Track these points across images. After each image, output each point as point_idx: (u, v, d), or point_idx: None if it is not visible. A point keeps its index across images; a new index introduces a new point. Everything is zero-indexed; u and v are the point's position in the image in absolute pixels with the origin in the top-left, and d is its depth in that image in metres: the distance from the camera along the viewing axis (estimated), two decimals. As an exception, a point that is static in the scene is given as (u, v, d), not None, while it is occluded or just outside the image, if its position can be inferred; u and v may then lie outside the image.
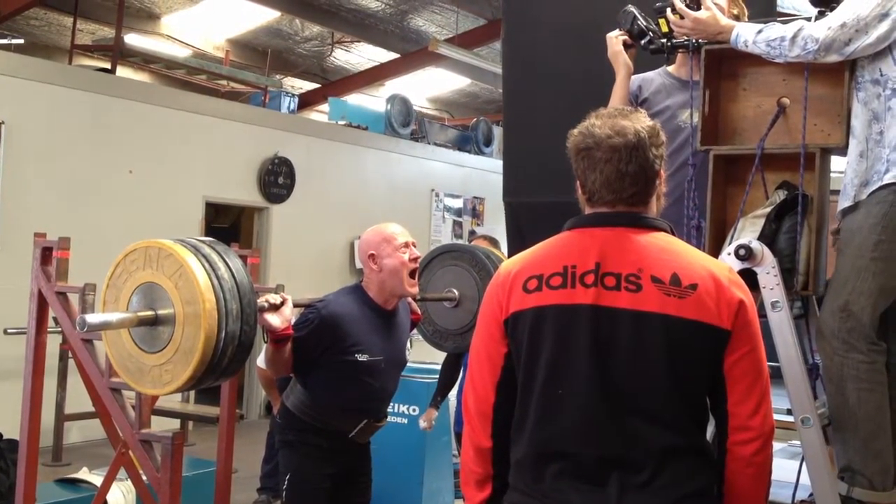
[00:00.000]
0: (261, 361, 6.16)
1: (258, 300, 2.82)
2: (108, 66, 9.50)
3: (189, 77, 11.18)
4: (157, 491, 3.32)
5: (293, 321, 3.05)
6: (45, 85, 7.76)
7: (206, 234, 8.98)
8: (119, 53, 9.52)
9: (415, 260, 3.29)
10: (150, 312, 2.30)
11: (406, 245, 3.28)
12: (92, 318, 2.26)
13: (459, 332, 3.79)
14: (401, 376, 3.52)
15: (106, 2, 10.25)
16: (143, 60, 10.46)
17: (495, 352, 2.03)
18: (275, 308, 2.90)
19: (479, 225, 12.49)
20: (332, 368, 3.20)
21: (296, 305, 3.05)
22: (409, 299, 3.46)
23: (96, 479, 4.67)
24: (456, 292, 3.50)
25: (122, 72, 9.98)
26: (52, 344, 5.27)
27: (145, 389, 2.45)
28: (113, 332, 2.37)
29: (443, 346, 3.86)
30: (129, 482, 4.37)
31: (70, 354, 5.99)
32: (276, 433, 3.46)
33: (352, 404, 3.30)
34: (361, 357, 3.20)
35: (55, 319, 3.87)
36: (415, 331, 3.73)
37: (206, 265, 2.31)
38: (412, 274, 3.29)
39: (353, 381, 3.24)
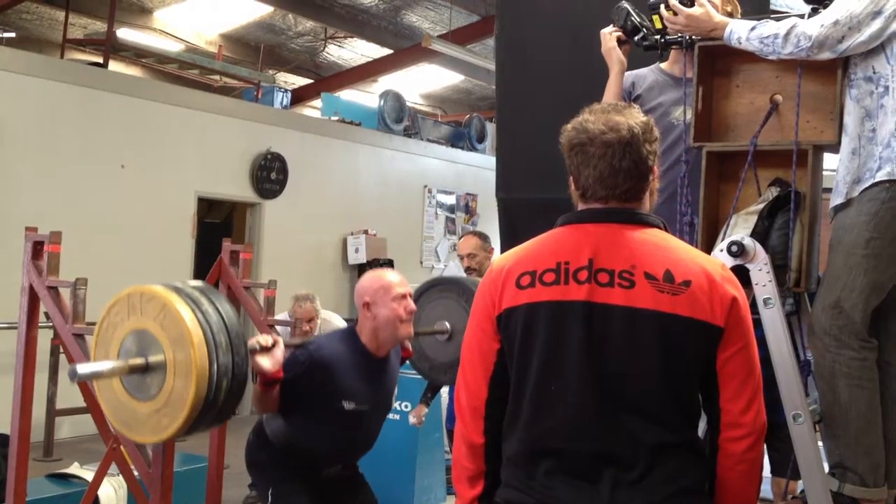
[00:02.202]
0: (253, 357, 6.17)
1: (249, 341, 2.82)
2: (100, 60, 9.49)
3: (181, 72, 11.16)
4: (148, 486, 3.32)
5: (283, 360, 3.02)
6: (36, 79, 7.73)
7: (198, 229, 9.03)
8: (111, 48, 9.50)
9: (410, 313, 3.24)
10: (140, 360, 2.29)
11: (403, 296, 3.22)
12: (82, 368, 2.24)
13: (455, 364, 3.75)
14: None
15: (98, -4, 10.23)
16: (136, 55, 10.44)
17: (488, 348, 2.03)
18: (266, 350, 2.87)
19: (473, 224, 12.49)
20: (316, 412, 3.16)
21: (287, 346, 3.02)
22: None
23: (87, 474, 4.66)
24: (448, 325, 3.48)
25: (114, 66, 9.95)
26: (44, 339, 5.26)
27: (143, 438, 2.44)
28: (105, 383, 2.35)
29: (441, 380, 3.83)
30: (121, 477, 4.37)
31: (61, 349, 5.97)
32: (249, 451, 3.40)
33: (331, 449, 3.29)
34: (347, 405, 3.16)
35: (46, 314, 3.86)
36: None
37: (189, 301, 2.30)
38: (407, 323, 3.25)
39: (336, 427, 3.21)
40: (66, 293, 3.66)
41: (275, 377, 2.92)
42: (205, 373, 2.22)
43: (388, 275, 3.29)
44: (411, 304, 3.24)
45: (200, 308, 2.29)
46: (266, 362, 2.87)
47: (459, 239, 5.53)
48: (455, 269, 12.00)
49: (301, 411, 3.15)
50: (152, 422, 2.31)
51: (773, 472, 3.71)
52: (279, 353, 2.90)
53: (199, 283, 2.44)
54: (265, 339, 2.89)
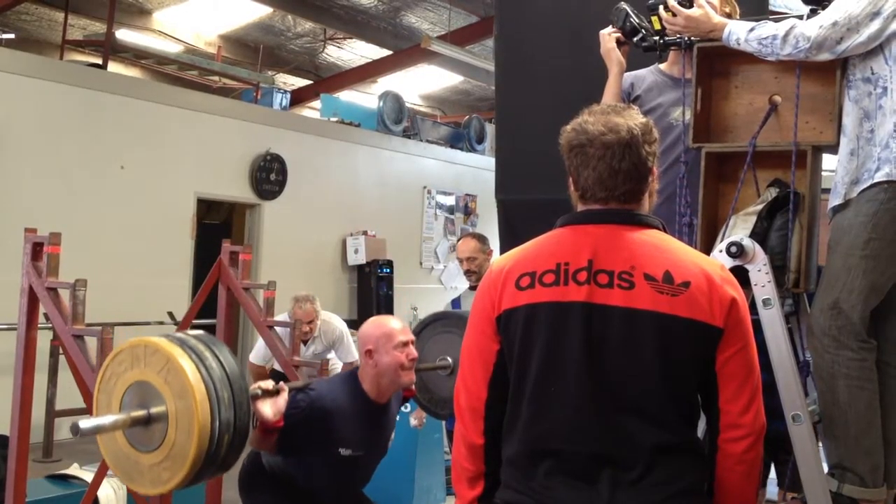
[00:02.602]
0: (253, 357, 6.17)
1: (251, 387, 2.81)
2: (99, 61, 9.48)
3: (180, 73, 11.16)
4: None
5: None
6: (35, 80, 7.73)
7: (198, 230, 9.02)
8: (110, 49, 9.50)
9: (412, 360, 3.23)
10: (142, 412, 2.30)
11: (405, 344, 3.22)
12: (85, 424, 2.25)
13: None
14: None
15: (97, -3, 10.23)
16: (135, 56, 10.44)
17: (487, 349, 2.03)
18: (269, 395, 2.87)
19: (471, 224, 12.48)
20: (312, 456, 3.17)
21: (291, 388, 3.03)
22: None
23: (87, 475, 4.66)
24: (450, 359, 3.48)
25: (114, 67, 9.94)
26: (43, 340, 5.26)
27: (145, 490, 2.44)
28: (107, 434, 2.36)
29: (440, 415, 3.83)
30: (120, 479, 4.36)
31: (61, 350, 5.97)
32: (244, 477, 3.39)
33: (325, 488, 3.29)
34: (343, 451, 3.17)
35: (46, 315, 3.86)
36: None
37: (194, 356, 2.31)
38: (409, 371, 3.25)
39: (330, 471, 3.22)
40: (65, 294, 3.66)
41: (275, 426, 2.92)
42: (207, 428, 2.24)
43: (391, 322, 3.29)
44: (413, 352, 3.24)
45: (203, 362, 2.31)
46: (268, 410, 2.87)
47: (458, 240, 5.52)
48: (456, 271, 12.01)
49: (297, 453, 3.15)
50: (153, 474, 2.32)
51: (780, 484, 3.64)
52: (282, 401, 2.91)
53: (201, 333, 2.45)
54: (266, 384, 2.90)
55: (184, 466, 2.25)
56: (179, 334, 2.41)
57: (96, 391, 2.41)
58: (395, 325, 3.27)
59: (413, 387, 3.42)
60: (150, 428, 2.30)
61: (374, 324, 3.30)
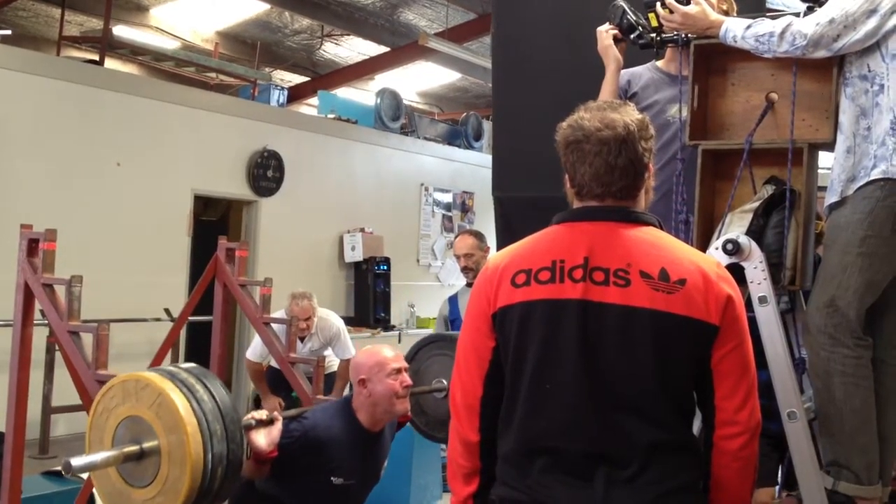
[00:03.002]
0: (250, 354, 6.17)
1: (245, 418, 2.81)
2: (96, 57, 9.47)
3: (177, 69, 11.14)
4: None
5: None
6: (32, 76, 7.71)
7: (194, 227, 9.00)
8: (107, 45, 9.48)
9: (406, 387, 3.23)
10: (134, 447, 2.30)
11: (398, 371, 3.22)
12: (77, 461, 2.24)
13: None
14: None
15: (94, -7, 10.21)
16: (132, 52, 10.42)
17: (483, 346, 2.03)
18: (262, 424, 2.87)
19: (468, 221, 12.48)
20: (305, 484, 3.16)
21: (285, 417, 3.03)
22: None
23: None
24: (445, 382, 3.48)
25: (111, 63, 9.93)
26: (40, 336, 5.25)
27: None
28: (100, 470, 2.36)
29: (437, 438, 3.83)
30: (116, 475, 4.35)
31: (57, 347, 5.97)
32: (233, 499, 3.40)
33: None
34: (336, 480, 3.16)
35: (42, 312, 3.85)
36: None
37: (184, 389, 2.31)
38: (403, 399, 3.24)
39: (322, 499, 3.20)
40: (61, 291, 3.66)
41: (269, 456, 2.92)
42: (199, 462, 2.25)
43: (383, 351, 3.28)
44: (407, 379, 3.24)
45: (195, 395, 2.31)
46: (262, 440, 2.88)
47: (455, 237, 5.52)
48: (453, 268, 12.01)
49: (289, 481, 3.13)
50: None
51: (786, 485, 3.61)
52: (276, 432, 2.92)
53: (192, 366, 2.46)
54: (260, 414, 2.90)
55: (177, 501, 2.26)
56: (170, 368, 2.42)
57: (88, 430, 2.41)
58: (388, 353, 3.27)
59: (409, 412, 3.42)
60: (143, 463, 2.31)
61: (367, 353, 3.30)
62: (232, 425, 2.36)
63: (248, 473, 3.03)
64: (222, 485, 2.34)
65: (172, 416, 2.26)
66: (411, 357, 3.63)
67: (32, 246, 3.74)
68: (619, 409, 1.91)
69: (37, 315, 3.95)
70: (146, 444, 2.29)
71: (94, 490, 4.35)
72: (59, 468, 4.88)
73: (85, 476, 4.46)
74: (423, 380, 3.57)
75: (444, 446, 5.73)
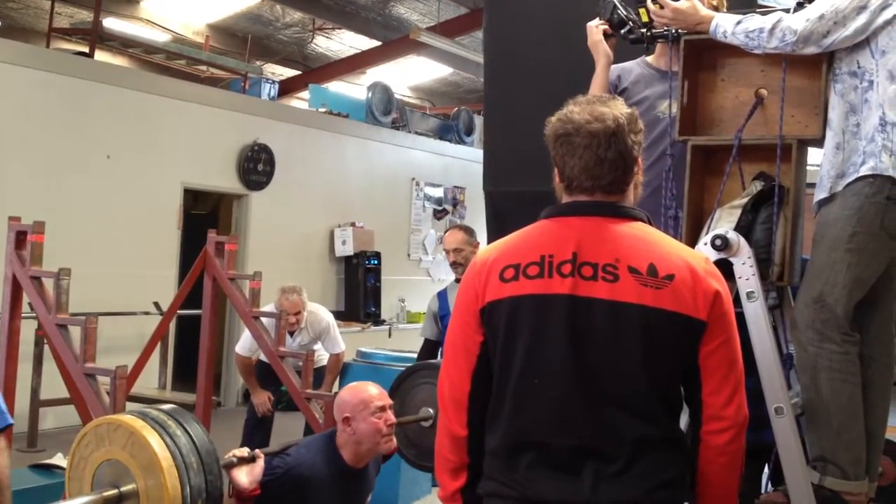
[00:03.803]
0: (239, 348, 6.16)
1: (226, 455, 2.80)
2: (86, 49, 9.41)
3: (168, 62, 11.09)
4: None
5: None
6: (22, 68, 7.67)
7: (185, 221, 8.98)
8: (97, 37, 9.43)
9: (391, 426, 3.21)
10: (113, 491, 2.30)
11: (382, 409, 3.19)
12: None
13: None
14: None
15: (85, -15, 10.16)
16: (122, 45, 10.37)
17: (471, 341, 2.03)
18: (244, 462, 2.85)
19: (459, 216, 12.48)
20: None
21: (266, 454, 3.01)
22: None
23: (71, 465, 4.64)
24: (431, 410, 3.48)
25: (101, 56, 9.88)
26: (28, 329, 5.23)
27: None
28: None
29: (425, 468, 3.81)
30: (104, 468, 4.34)
31: (45, 340, 5.95)
32: None
33: None
34: None
35: (30, 304, 3.84)
36: None
37: (156, 426, 2.32)
38: (388, 435, 3.22)
39: None
40: (49, 284, 3.65)
41: (251, 495, 2.90)
42: (177, 497, 2.24)
43: (368, 388, 3.25)
44: (391, 417, 3.21)
45: (168, 431, 2.32)
46: (243, 478, 2.87)
47: (445, 232, 5.51)
48: (444, 262, 12.01)
49: None
50: None
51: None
52: (258, 469, 2.90)
53: (168, 407, 2.46)
54: (241, 452, 2.89)
55: None
56: (142, 408, 2.44)
57: (67, 479, 2.43)
58: (373, 391, 3.23)
59: (395, 444, 3.38)
60: None
61: (351, 391, 3.27)
62: (208, 456, 2.37)
63: None
64: None
65: (146, 454, 2.28)
66: (396, 387, 3.62)
67: (20, 238, 3.73)
68: (606, 404, 1.91)
69: (25, 308, 3.94)
70: (124, 488, 2.31)
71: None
72: (47, 461, 4.89)
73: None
74: (409, 409, 3.56)
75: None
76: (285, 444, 3.27)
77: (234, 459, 2.85)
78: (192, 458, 2.31)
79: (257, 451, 2.96)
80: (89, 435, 2.39)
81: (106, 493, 2.30)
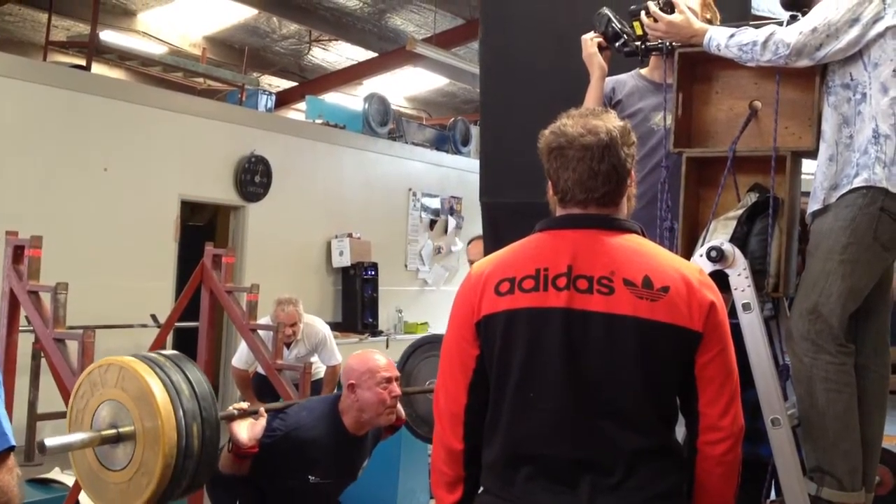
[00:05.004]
0: (236, 361, 6.15)
1: (229, 408, 2.82)
2: (83, 62, 9.42)
3: (165, 74, 11.10)
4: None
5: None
6: (18, 81, 7.68)
7: (182, 233, 8.97)
8: (94, 50, 9.44)
9: (395, 398, 3.21)
10: (111, 431, 2.31)
11: (388, 381, 3.19)
12: (51, 442, 2.24)
13: None
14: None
15: (81, -2, 10.17)
16: (119, 57, 10.37)
17: (467, 354, 2.04)
18: (245, 415, 2.86)
19: (456, 226, 12.47)
20: (281, 478, 3.15)
21: (268, 410, 3.03)
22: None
23: (68, 479, 4.63)
24: None
25: (98, 69, 9.90)
26: (26, 343, 5.23)
27: None
28: (80, 452, 2.36)
29: (417, 433, 3.82)
30: (102, 482, 4.33)
31: (43, 354, 5.94)
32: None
33: None
34: (313, 479, 3.16)
35: (27, 318, 3.84)
36: None
37: (163, 375, 2.33)
38: (391, 408, 3.23)
39: (296, 495, 3.20)
40: (46, 298, 3.65)
41: (249, 451, 2.91)
42: (172, 457, 2.27)
43: (376, 358, 3.26)
44: (396, 389, 3.22)
45: (173, 382, 2.33)
46: (243, 433, 2.88)
47: (468, 243, 5.49)
48: (441, 273, 12.01)
49: (266, 474, 3.12)
50: (121, 491, 2.33)
51: None
52: (259, 427, 2.92)
53: (173, 353, 2.47)
54: (243, 405, 2.90)
55: (151, 484, 2.26)
56: (151, 354, 2.44)
57: (69, 408, 2.42)
58: (380, 361, 3.24)
59: (403, 415, 3.41)
60: (119, 447, 2.31)
61: (360, 358, 3.28)
62: (209, 418, 2.37)
63: (228, 468, 3.03)
64: (196, 471, 2.34)
65: (150, 406, 2.27)
66: (404, 361, 3.62)
67: (18, 253, 3.73)
68: (603, 416, 1.92)
69: (23, 321, 3.94)
70: (123, 429, 2.30)
71: (80, 498, 4.33)
72: (46, 475, 4.87)
73: (70, 483, 4.44)
74: (415, 381, 3.57)
75: (431, 450, 5.75)
76: (289, 403, 3.27)
77: (236, 412, 2.84)
78: (193, 413, 2.34)
79: (261, 408, 2.95)
80: (100, 370, 2.40)
81: (104, 432, 2.32)
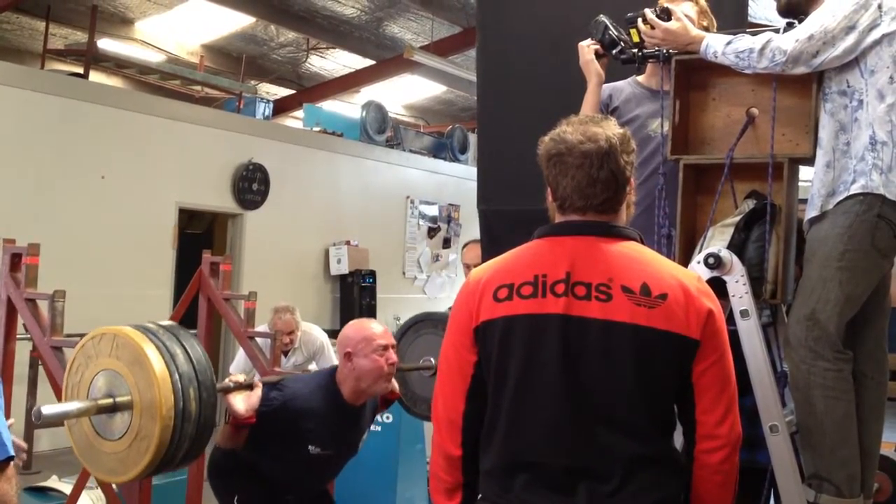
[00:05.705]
0: (234, 368, 6.15)
1: (225, 381, 2.81)
2: (80, 70, 9.44)
3: (163, 82, 11.11)
4: (126, 499, 3.30)
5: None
6: (16, 89, 7.69)
7: (179, 240, 8.98)
8: (92, 58, 9.46)
9: (392, 365, 3.19)
10: (108, 400, 2.30)
11: (385, 348, 3.17)
12: (48, 410, 2.23)
13: None
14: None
15: (79, 6, 10.18)
16: (117, 65, 10.39)
17: (465, 360, 2.03)
18: (242, 388, 2.85)
19: (454, 233, 12.48)
20: (280, 452, 3.13)
21: (265, 383, 3.02)
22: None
23: (66, 487, 4.63)
24: (433, 360, 3.48)
25: (95, 76, 9.91)
26: (23, 351, 5.22)
27: (104, 476, 2.44)
28: (75, 421, 2.36)
29: (412, 411, 3.82)
30: (99, 490, 4.34)
31: (40, 361, 5.93)
32: (213, 460, 3.26)
33: (292, 482, 3.26)
34: (313, 449, 3.14)
35: (25, 326, 3.83)
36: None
37: (160, 345, 2.32)
38: (389, 374, 3.21)
39: (297, 467, 3.19)
40: (44, 305, 3.64)
41: (246, 422, 2.90)
42: (168, 428, 2.25)
43: (372, 325, 3.25)
44: (393, 357, 3.20)
45: (171, 352, 2.32)
46: (240, 404, 2.86)
47: (463, 247, 5.47)
48: (439, 281, 12.00)
49: (265, 448, 3.11)
50: (119, 461, 2.32)
51: None
52: (255, 397, 2.90)
53: (171, 324, 2.46)
54: (239, 378, 2.88)
55: (147, 455, 2.26)
56: (149, 324, 2.42)
57: (66, 374, 2.41)
58: (377, 328, 3.23)
59: (397, 390, 3.40)
60: (115, 416, 2.31)
61: (355, 327, 3.26)
62: (205, 383, 2.37)
63: (225, 440, 3.03)
64: (193, 442, 2.34)
65: (146, 373, 2.27)
66: (400, 337, 3.62)
67: (15, 260, 3.73)
68: (600, 423, 1.91)
69: (20, 329, 3.93)
70: (119, 398, 2.30)
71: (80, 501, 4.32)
72: (43, 483, 4.86)
73: (67, 491, 4.43)
74: (410, 359, 3.57)
75: (429, 458, 5.74)
76: (283, 375, 3.25)
77: (232, 384, 2.83)
78: (190, 383, 2.33)
79: (256, 380, 2.94)
80: (96, 339, 2.40)
81: (101, 401, 2.31)
